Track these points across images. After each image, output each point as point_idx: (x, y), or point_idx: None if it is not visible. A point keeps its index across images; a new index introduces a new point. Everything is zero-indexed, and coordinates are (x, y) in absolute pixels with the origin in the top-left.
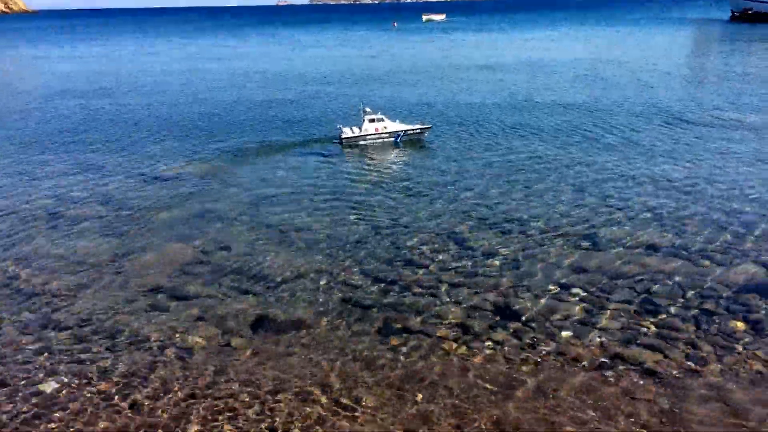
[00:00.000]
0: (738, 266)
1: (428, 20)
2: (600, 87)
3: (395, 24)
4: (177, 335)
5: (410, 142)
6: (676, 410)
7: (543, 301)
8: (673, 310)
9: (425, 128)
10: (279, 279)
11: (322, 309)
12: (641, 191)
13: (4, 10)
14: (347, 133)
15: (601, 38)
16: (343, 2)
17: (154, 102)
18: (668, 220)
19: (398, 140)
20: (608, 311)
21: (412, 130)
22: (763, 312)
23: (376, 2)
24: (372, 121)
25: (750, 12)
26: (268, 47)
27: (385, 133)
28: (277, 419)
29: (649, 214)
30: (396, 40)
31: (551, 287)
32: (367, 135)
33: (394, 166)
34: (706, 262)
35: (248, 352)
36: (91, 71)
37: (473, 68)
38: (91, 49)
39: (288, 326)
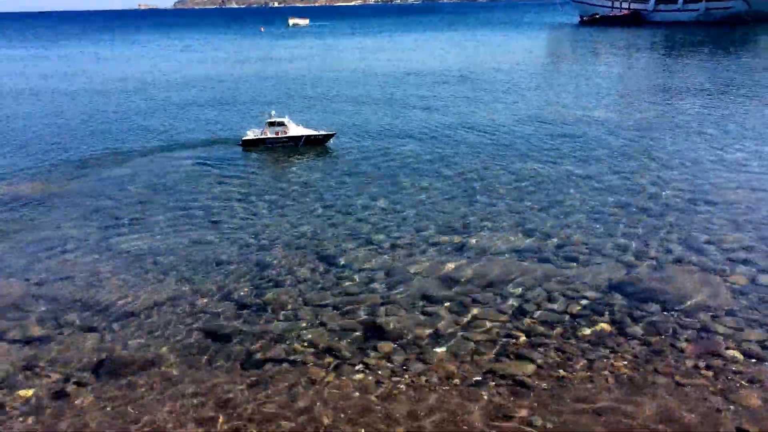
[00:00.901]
0: (601, 266)
1: (294, 24)
2: (464, 89)
3: (262, 29)
4: None
5: (313, 147)
6: (549, 426)
7: (414, 317)
8: (542, 316)
9: (328, 135)
10: (128, 311)
11: (176, 343)
12: (507, 195)
13: None
14: (249, 135)
15: (468, 42)
16: (209, 6)
17: None
18: (532, 224)
19: (300, 145)
20: (480, 323)
21: (315, 135)
22: (625, 311)
23: (243, 6)
24: (272, 124)
25: (597, 16)
26: (132, 52)
27: (285, 137)
28: None
29: (515, 218)
30: (266, 45)
31: (422, 302)
32: (267, 138)
33: (272, 175)
34: (572, 264)
35: (88, 400)
36: None
37: (347, 71)
38: None
39: (138, 366)
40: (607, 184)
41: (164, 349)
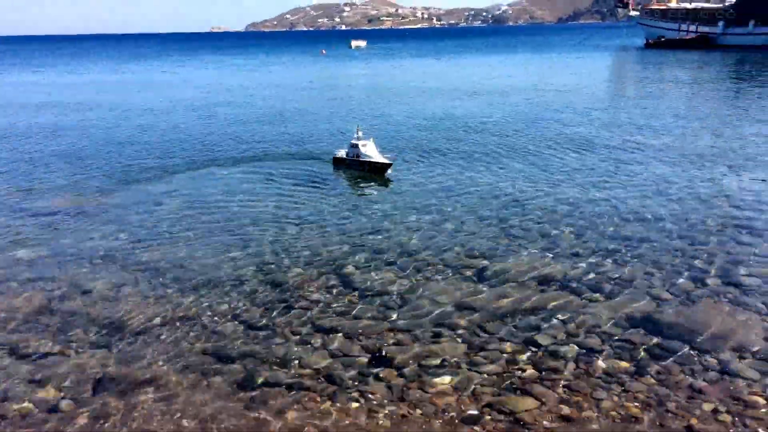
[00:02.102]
0: (626, 299)
1: (356, 47)
2: (521, 109)
3: (324, 51)
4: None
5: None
6: None
7: (421, 344)
8: (555, 349)
9: (386, 164)
10: (139, 328)
11: (180, 363)
12: (542, 219)
13: None
14: (338, 153)
15: (533, 65)
16: (278, 29)
17: (69, 128)
18: (564, 250)
19: (365, 170)
20: (489, 353)
21: (373, 163)
22: (644, 348)
23: (311, 28)
24: (353, 146)
25: (663, 39)
26: (198, 71)
27: (357, 160)
28: None
29: (545, 244)
30: (327, 67)
31: (433, 329)
32: (346, 159)
33: (316, 196)
34: (597, 296)
35: (81, 417)
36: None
37: (402, 93)
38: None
39: (137, 384)
40: (651, 212)
41: (165, 367)
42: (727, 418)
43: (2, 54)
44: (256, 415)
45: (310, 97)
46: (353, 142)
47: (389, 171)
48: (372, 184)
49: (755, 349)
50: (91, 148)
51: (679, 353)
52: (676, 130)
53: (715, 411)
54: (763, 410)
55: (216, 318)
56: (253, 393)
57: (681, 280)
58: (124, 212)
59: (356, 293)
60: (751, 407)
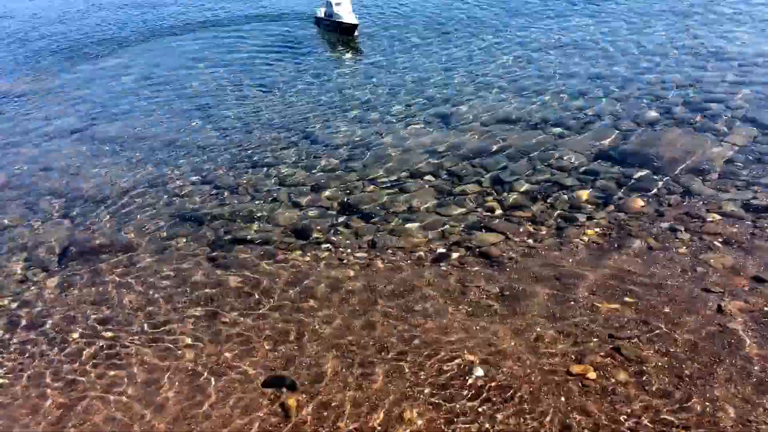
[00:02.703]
0: (592, 134)
1: None
2: None
3: None
4: None
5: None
6: (507, 293)
7: (391, 193)
8: (522, 187)
9: (352, 24)
10: (104, 198)
11: (145, 228)
12: (510, 65)
13: None
14: (318, 12)
15: None
16: None
17: None
18: (528, 90)
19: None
20: (458, 197)
21: (342, 23)
22: (608, 177)
23: None
24: (329, 4)
25: None
26: None
27: (330, 21)
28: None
29: (512, 87)
30: None
31: (401, 175)
32: (321, 19)
33: (274, 59)
34: (563, 131)
35: (50, 286)
36: None
37: None
38: None
39: (105, 252)
40: (618, 48)
41: (132, 234)
42: (686, 236)
43: None
44: (225, 271)
45: None
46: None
47: (356, 33)
48: (342, 47)
49: (713, 169)
50: (37, 28)
51: (641, 180)
52: None
53: (673, 230)
54: (719, 225)
55: (181, 183)
56: (223, 252)
57: (647, 111)
58: (81, 90)
59: (321, 148)
60: (707, 223)
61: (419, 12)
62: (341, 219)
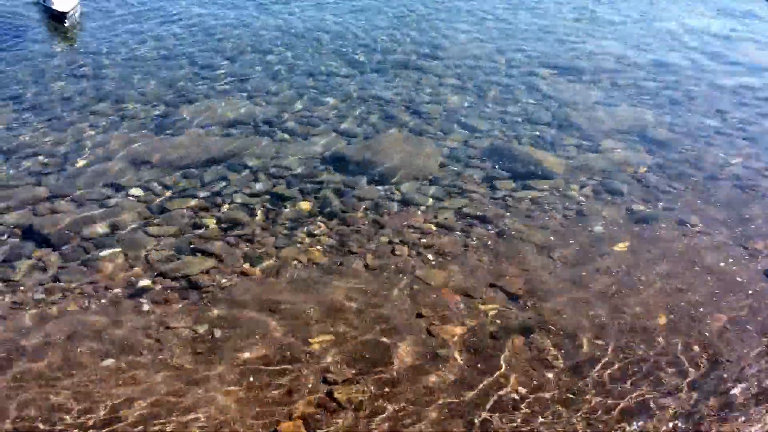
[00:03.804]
0: (315, 138)
1: None
2: None
3: None
4: None
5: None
6: (209, 337)
7: (91, 213)
8: (241, 199)
9: (61, 12)
10: None
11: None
12: (232, 54)
13: None
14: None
15: None
16: None
17: None
18: (255, 89)
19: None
20: (167, 214)
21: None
22: (329, 187)
23: None
24: None
25: None
26: None
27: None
28: None
29: (236, 84)
30: None
31: (101, 192)
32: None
33: None
34: (287, 137)
35: None
36: None
37: None
38: None
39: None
40: (338, 42)
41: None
42: (404, 249)
43: None
44: None
45: None
46: None
47: (67, 22)
48: (52, 34)
49: (431, 175)
50: None
51: (362, 188)
52: None
53: (390, 243)
54: (434, 236)
55: None
56: None
57: (370, 114)
58: None
59: (2, 157)
60: (424, 234)
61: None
62: (20, 248)
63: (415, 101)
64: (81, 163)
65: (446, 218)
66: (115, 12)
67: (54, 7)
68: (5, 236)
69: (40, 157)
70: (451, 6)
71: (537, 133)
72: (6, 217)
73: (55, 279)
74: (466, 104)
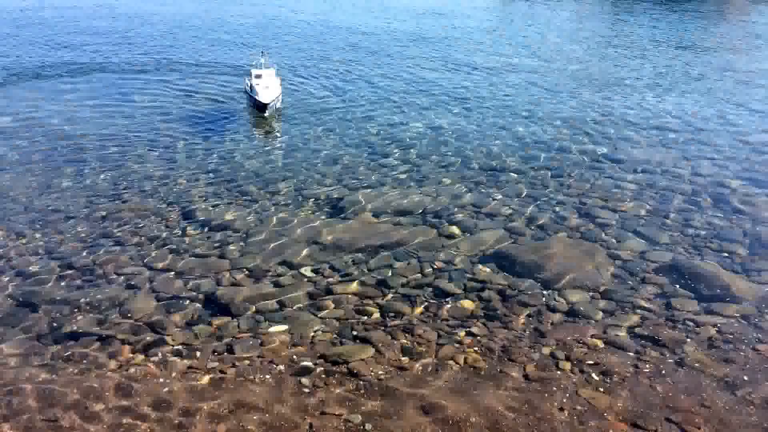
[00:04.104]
0: (484, 235)
1: None
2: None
3: None
4: None
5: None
6: (368, 426)
7: (262, 287)
8: (404, 290)
9: (262, 104)
10: None
11: None
12: (409, 148)
13: None
14: (246, 82)
15: None
16: None
17: None
18: (426, 181)
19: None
20: (335, 296)
21: (257, 101)
22: (495, 287)
23: None
24: (249, 76)
25: None
26: None
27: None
28: None
29: (411, 175)
30: None
31: (277, 269)
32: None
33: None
34: (455, 230)
35: None
36: None
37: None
38: None
39: None
40: (513, 140)
41: None
42: (567, 365)
43: None
44: (56, 371)
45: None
46: (252, 71)
47: (267, 112)
48: (255, 123)
49: (602, 286)
50: None
51: (527, 292)
52: (569, 53)
53: (553, 355)
54: (602, 354)
55: (29, 257)
56: (56, 346)
57: (541, 214)
58: None
59: (197, 228)
60: (591, 350)
61: (355, 91)
62: (201, 314)
63: (587, 204)
64: (260, 238)
65: (617, 336)
66: (310, 106)
67: (257, 97)
68: (189, 301)
69: (227, 231)
70: (632, 107)
71: (725, 252)
72: (193, 284)
73: (229, 349)
74: (644, 212)
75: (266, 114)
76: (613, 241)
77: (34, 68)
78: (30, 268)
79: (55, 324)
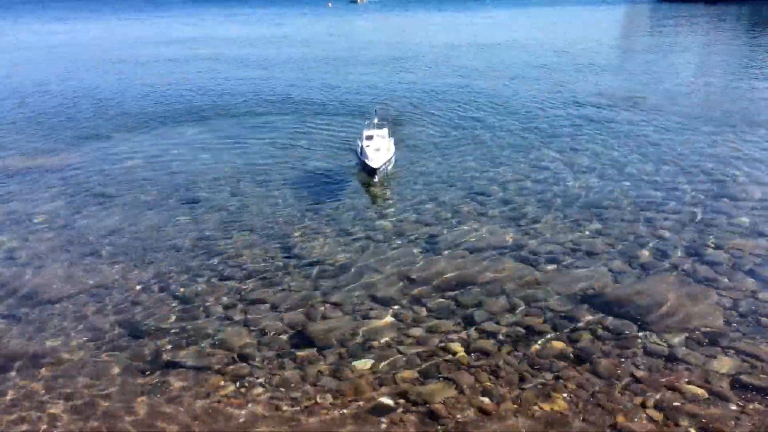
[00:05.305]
0: (580, 273)
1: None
2: (527, 67)
3: (330, 4)
4: None
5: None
6: None
7: (351, 322)
8: (489, 327)
9: (372, 168)
10: (51, 298)
11: (81, 336)
12: (508, 184)
13: None
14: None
15: (543, 19)
16: None
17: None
18: (524, 218)
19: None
20: (421, 332)
21: (366, 165)
22: (587, 328)
23: None
24: (361, 137)
25: None
26: (175, 26)
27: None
28: None
29: (506, 211)
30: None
31: (367, 304)
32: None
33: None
34: (549, 267)
35: None
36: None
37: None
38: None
39: (29, 361)
40: (628, 177)
41: (58, 342)
42: (658, 415)
43: None
44: (152, 399)
45: (326, 60)
46: (364, 131)
47: (377, 177)
48: (364, 180)
49: (706, 330)
50: (41, 106)
51: (623, 334)
52: (678, 88)
53: (644, 406)
54: (700, 406)
55: (138, 288)
56: (151, 376)
57: (643, 252)
58: (70, 174)
59: (294, 262)
60: (689, 400)
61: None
62: (289, 346)
63: (696, 242)
64: (352, 271)
65: (721, 387)
66: (419, 168)
67: (368, 162)
68: (274, 333)
69: (323, 266)
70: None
71: None
72: (283, 316)
73: (313, 382)
74: (759, 251)
75: (376, 178)
76: (725, 281)
77: (163, 115)
78: (140, 299)
79: (155, 352)
